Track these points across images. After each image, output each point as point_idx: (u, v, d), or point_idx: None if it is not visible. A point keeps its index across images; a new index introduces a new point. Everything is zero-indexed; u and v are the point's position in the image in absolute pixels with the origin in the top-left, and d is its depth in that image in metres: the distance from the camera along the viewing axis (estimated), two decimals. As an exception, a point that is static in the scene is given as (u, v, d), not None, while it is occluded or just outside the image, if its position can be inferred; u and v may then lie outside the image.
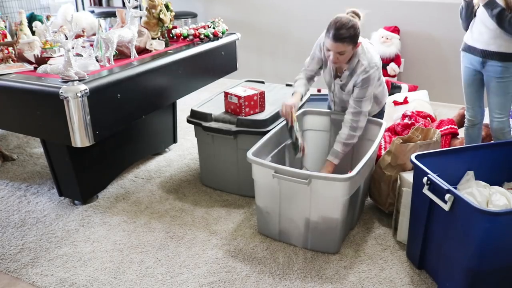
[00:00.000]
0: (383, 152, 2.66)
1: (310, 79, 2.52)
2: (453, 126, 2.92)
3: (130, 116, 2.46)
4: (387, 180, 2.34)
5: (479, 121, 2.65)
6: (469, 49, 2.47)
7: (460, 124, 3.09)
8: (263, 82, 3.13)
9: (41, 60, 2.48)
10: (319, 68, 2.49)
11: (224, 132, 2.52)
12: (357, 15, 2.28)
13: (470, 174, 2.09)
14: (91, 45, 2.58)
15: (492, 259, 1.70)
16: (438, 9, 3.97)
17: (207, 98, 2.90)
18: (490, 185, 2.05)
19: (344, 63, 2.29)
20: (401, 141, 2.34)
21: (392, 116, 3.37)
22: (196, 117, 2.67)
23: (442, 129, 2.91)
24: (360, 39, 2.24)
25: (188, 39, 3.00)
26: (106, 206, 2.61)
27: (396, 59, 4.09)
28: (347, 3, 4.23)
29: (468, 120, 2.66)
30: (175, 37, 2.99)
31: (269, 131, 2.42)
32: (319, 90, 3.76)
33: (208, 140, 2.64)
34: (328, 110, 2.64)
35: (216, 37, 3.09)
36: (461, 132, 2.95)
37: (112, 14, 4.51)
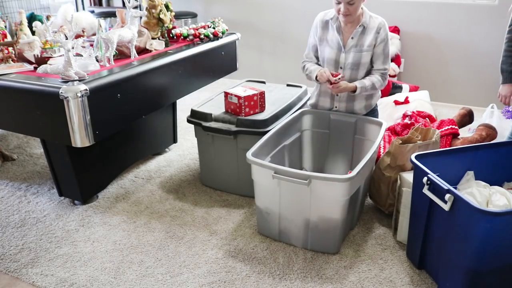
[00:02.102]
0: (382, 152, 2.66)
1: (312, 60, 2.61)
2: (453, 126, 2.92)
3: (130, 116, 2.46)
4: (387, 181, 2.34)
5: None
6: None
7: (461, 124, 3.08)
8: (264, 82, 3.13)
9: (41, 60, 2.48)
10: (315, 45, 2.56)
11: (224, 132, 2.52)
12: None
13: (470, 174, 2.08)
14: (91, 45, 2.58)
15: (492, 259, 1.70)
16: (438, 9, 3.97)
17: (207, 98, 2.90)
18: (490, 185, 2.05)
19: (355, 16, 2.35)
20: (401, 141, 2.34)
21: (393, 116, 3.37)
22: (196, 117, 2.67)
23: (443, 129, 2.90)
24: None
25: (188, 39, 3.00)
26: (106, 206, 2.61)
27: (396, 59, 4.09)
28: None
29: None
30: (175, 37, 2.99)
31: (269, 131, 2.42)
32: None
33: (208, 140, 2.64)
34: (328, 111, 2.64)
35: (216, 37, 3.09)
36: (462, 132, 2.95)
37: (112, 14, 4.51)
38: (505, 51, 2.35)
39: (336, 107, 2.61)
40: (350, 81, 2.47)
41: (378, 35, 2.34)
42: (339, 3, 2.30)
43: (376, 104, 2.65)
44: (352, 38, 2.39)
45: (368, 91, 2.45)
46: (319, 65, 2.57)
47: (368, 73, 2.49)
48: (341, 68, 2.47)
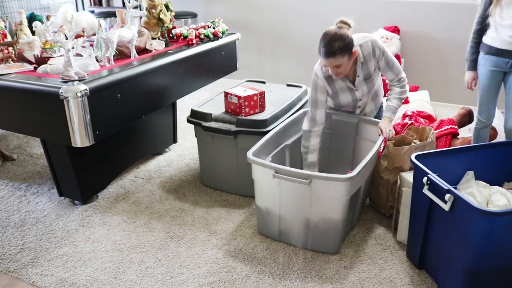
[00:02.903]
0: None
1: (319, 135, 2.46)
2: (453, 126, 2.92)
3: (130, 116, 2.46)
4: (386, 184, 2.34)
5: (491, 122, 2.65)
6: (498, 52, 2.43)
7: (460, 124, 3.09)
8: (264, 82, 3.14)
9: (41, 60, 2.48)
10: (326, 101, 2.43)
11: (224, 132, 2.52)
12: (347, 24, 2.21)
13: (470, 174, 2.08)
14: (91, 45, 2.58)
15: (492, 259, 1.70)
16: (438, 9, 3.97)
17: (207, 98, 2.90)
18: (490, 185, 2.05)
19: (346, 72, 2.25)
20: (394, 142, 2.34)
21: (393, 116, 3.36)
22: (196, 117, 2.67)
23: (442, 129, 2.91)
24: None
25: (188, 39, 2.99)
26: (106, 206, 2.61)
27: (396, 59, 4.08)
28: (347, 4, 4.25)
29: (481, 122, 2.63)
30: (175, 37, 2.99)
31: (269, 131, 2.42)
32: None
33: (208, 140, 2.64)
34: (329, 110, 2.64)
35: (216, 37, 3.09)
36: (462, 132, 2.95)
37: (112, 14, 4.51)
38: (470, 41, 2.60)
39: (359, 107, 2.59)
40: (371, 101, 2.51)
41: (375, 56, 2.30)
42: (326, 66, 2.22)
43: (382, 102, 2.65)
44: (358, 76, 2.35)
45: (401, 101, 2.44)
46: (324, 120, 2.45)
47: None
48: (360, 100, 2.47)
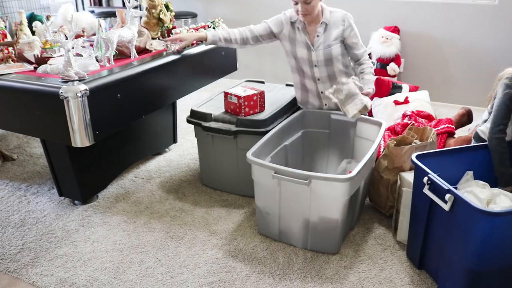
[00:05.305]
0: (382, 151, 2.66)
1: (248, 38, 2.62)
2: (450, 125, 2.93)
3: (130, 116, 2.46)
4: (386, 184, 2.34)
5: None
6: None
7: (459, 124, 3.09)
8: (263, 82, 3.13)
9: (41, 60, 2.47)
10: (263, 38, 2.60)
11: (224, 132, 2.52)
12: None
13: (469, 174, 2.08)
14: (91, 45, 2.58)
15: (492, 259, 1.70)
16: (438, 9, 3.97)
17: (207, 98, 2.90)
18: (490, 186, 2.05)
19: (314, 15, 2.39)
20: (395, 142, 2.34)
21: (393, 116, 3.36)
22: (196, 117, 2.67)
23: (439, 128, 2.91)
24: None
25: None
26: (106, 206, 2.61)
27: (396, 59, 4.09)
28: (347, 3, 4.25)
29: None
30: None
31: (269, 131, 2.42)
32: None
33: (208, 140, 2.64)
34: (328, 111, 2.64)
35: (216, 37, 3.09)
36: (462, 132, 2.95)
37: (112, 14, 4.51)
38: (496, 152, 2.03)
39: (326, 104, 2.66)
40: (328, 76, 2.56)
41: (344, 27, 2.43)
42: (296, 3, 2.36)
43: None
44: (317, 36, 2.46)
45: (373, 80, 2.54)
46: (253, 38, 2.63)
47: (344, 64, 2.56)
48: (315, 66, 2.54)
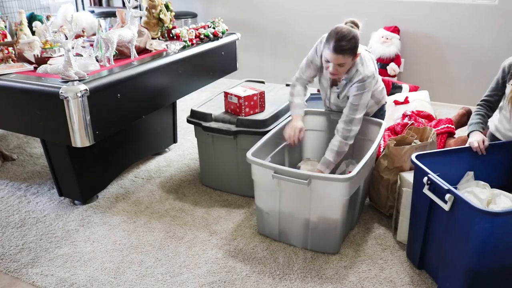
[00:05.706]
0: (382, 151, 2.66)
1: (306, 87, 2.50)
2: (450, 125, 2.93)
3: (130, 116, 2.46)
4: (386, 184, 2.34)
5: None
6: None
7: (459, 124, 3.09)
8: (263, 82, 3.13)
9: (41, 60, 2.47)
10: (314, 76, 2.46)
11: (224, 132, 2.52)
12: (356, 25, 2.24)
13: (470, 175, 2.08)
14: (91, 45, 2.58)
15: (492, 259, 1.70)
16: (438, 9, 3.97)
17: (207, 98, 2.90)
18: (490, 186, 2.05)
19: (341, 76, 2.27)
20: (395, 142, 2.34)
21: (393, 116, 3.37)
22: (196, 117, 2.67)
23: (439, 128, 2.91)
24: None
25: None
26: (106, 206, 2.61)
27: (396, 59, 4.09)
28: (347, 4, 4.25)
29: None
30: (175, 37, 2.99)
31: (269, 131, 2.42)
32: (318, 91, 3.76)
33: (208, 140, 2.64)
34: (328, 111, 2.64)
35: (216, 37, 3.09)
36: (462, 132, 2.95)
37: (112, 14, 4.51)
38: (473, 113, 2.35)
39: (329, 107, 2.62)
40: (338, 107, 2.49)
41: (358, 84, 2.23)
42: (328, 61, 2.17)
43: (383, 106, 2.60)
44: (337, 88, 2.37)
45: (340, 156, 2.31)
46: (308, 83, 2.49)
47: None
48: (327, 99, 2.50)
